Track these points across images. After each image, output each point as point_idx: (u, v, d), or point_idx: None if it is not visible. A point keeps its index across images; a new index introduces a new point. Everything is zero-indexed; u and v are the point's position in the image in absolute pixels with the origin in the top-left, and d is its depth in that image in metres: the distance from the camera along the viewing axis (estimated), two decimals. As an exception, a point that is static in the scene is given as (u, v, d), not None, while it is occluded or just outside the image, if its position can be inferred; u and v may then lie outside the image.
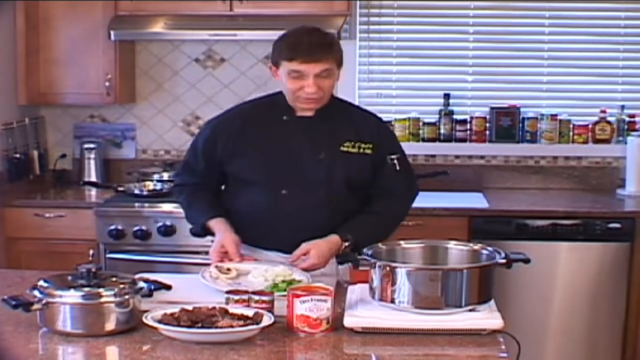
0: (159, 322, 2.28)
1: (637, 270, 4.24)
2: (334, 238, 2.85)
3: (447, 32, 4.86)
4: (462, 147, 4.81)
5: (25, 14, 4.53)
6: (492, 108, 4.81)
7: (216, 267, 2.79)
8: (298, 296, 2.36)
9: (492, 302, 2.47)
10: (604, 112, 4.76)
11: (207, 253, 4.14)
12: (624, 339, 4.28)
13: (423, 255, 2.62)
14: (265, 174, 2.90)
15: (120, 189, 4.53)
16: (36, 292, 2.35)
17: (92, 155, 4.85)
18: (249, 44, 4.86)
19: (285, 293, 2.42)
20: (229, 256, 2.84)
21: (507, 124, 4.79)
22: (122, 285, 2.37)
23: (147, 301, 2.41)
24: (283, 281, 2.66)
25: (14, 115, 4.63)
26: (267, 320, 2.31)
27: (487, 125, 4.81)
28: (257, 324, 2.29)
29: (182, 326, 2.25)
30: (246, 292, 2.46)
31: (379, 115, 3.14)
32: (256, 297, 2.41)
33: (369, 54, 4.86)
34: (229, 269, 2.77)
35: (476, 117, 4.80)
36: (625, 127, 4.76)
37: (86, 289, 2.33)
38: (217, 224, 2.93)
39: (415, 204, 3.10)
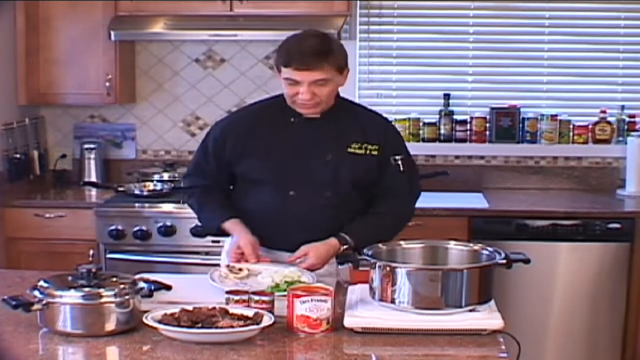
0: (159, 322, 2.28)
1: (637, 271, 4.24)
2: (333, 241, 2.86)
3: (447, 33, 4.86)
4: (462, 147, 4.81)
5: (25, 14, 4.53)
6: (492, 108, 4.81)
7: (227, 266, 2.79)
8: (298, 296, 2.36)
9: (492, 302, 2.47)
10: (604, 112, 4.76)
11: (207, 253, 4.20)
12: (624, 339, 4.28)
13: (423, 255, 2.63)
14: (273, 174, 2.91)
15: (121, 189, 4.53)
16: (36, 293, 2.35)
17: (92, 156, 4.85)
18: (249, 44, 4.86)
19: (286, 293, 2.42)
20: (245, 257, 2.85)
21: (507, 124, 4.79)
22: (122, 286, 2.37)
23: (147, 301, 2.41)
24: (285, 281, 2.66)
25: (14, 115, 4.63)
26: (267, 320, 2.31)
27: (487, 125, 4.81)
28: (257, 324, 2.29)
29: (182, 326, 2.25)
30: (246, 292, 2.46)
31: (380, 115, 3.14)
32: (256, 298, 2.42)
33: (369, 54, 4.86)
34: (240, 269, 2.77)
35: (476, 118, 4.80)
36: (625, 127, 4.76)
37: (86, 289, 2.33)
38: (233, 226, 2.94)
39: (414, 204, 3.11)
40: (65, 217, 4.36)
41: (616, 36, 4.82)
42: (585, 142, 4.79)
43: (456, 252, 2.62)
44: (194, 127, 4.93)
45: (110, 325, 2.32)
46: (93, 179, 4.83)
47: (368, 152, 2.91)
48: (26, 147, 4.72)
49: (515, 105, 4.81)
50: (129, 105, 4.93)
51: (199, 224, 3.16)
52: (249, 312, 2.34)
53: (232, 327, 2.26)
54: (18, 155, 4.61)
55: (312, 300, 2.35)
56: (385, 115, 3.12)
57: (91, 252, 4.24)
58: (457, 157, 4.84)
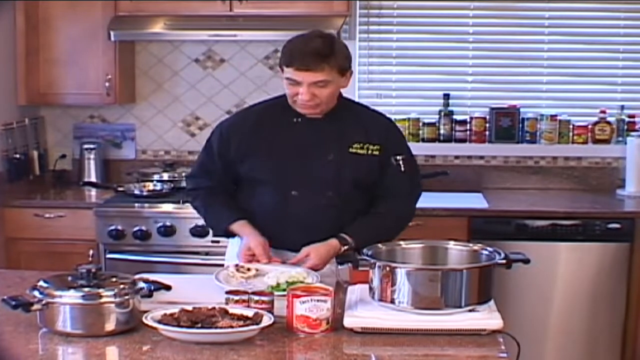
0: (159, 322, 2.28)
1: (637, 271, 4.24)
2: (333, 242, 2.87)
3: (447, 33, 4.86)
4: (462, 147, 4.81)
5: (25, 14, 4.54)
6: (491, 108, 4.81)
7: (236, 266, 2.79)
8: (298, 296, 2.36)
9: (492, 302, 2.47)
10: (603, 112, 4.76)
11: (207, 253, 4.20)
12: (623, 339, 4.28)
13: (423, 255, 2.63)
14: (276, 174, 2.92)
15: (120, 189, 4.53)
16: (36, 293, 2.35)
17: (92, 156, 4.85)
18: (248, 45, 4.86)
19: (285, 293, 2.43)
20: (256, 258, 2.85)
21: (506, 125, 4.79)
22: (122, 286, 2.37)
23: (147, 301, 2.41)
24: (286, 281, 2.66)
25: (13, 115, 4.63)
26: (266, 320, 2.31)
27: (487, 125, 4.81)
28: (257, 324, 2.29)
29: (182, 326, 2.25)
30: (246, 292, 2.46)
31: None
32: (256, 298, 2.42)
33: (369, 55, 4.86)
34: (248, 269, 2.77)
35: (476, 118, 4.81)
36: (625, 127, 4.76)
37: (86, 289, 2.33)
38: (242, 227, 2.95)
39: (414, 205, 3.11)
40: (65, 217, 4.36)
41: (616, 36, 4.82)
42: (585, 142, 4.79)
43: (456, 252, 2.62)
44: (193, 127, 4.93)
45: (110, 326, 2.32)
46: (93, 179, 4.83)
47: (370, 152, 2.92)
48: (26, 147, 4.72)
49: (515, 105, 4.81)
50: (129, 106, 4.93)
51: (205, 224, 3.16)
52: (249, 312, 2.34)
53: (231, 327, 2.26)
54: (18, 156, 4.61)
55: (311, 300, 2.35)
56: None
57: (91, 252, 4.25)
58: (456, 157, 4.84)
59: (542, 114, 4.79)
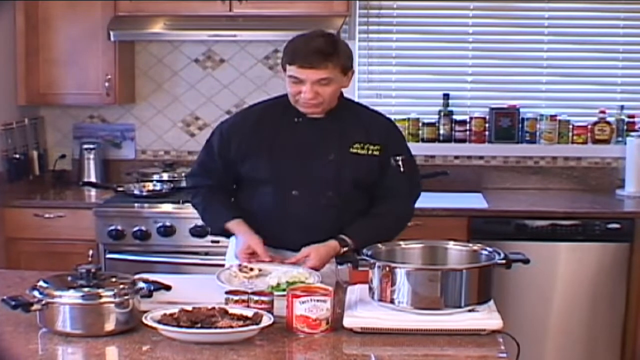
0: (159, 322, 2.28)
1: (637, 271, 4.24)
2: (333, 243, 2.87)
3: (446, 33, 4.86)
4: (462, 147, 4.81)
5: (25, 14, 4.54)
6: (491, 108, 4.81)
7: (239, 266, 2.79)
8: (297, 296, 2.36)
9: (492, 302, 2.47)
10: (603, 112, 4.76)
11: (207, 253, 4.20)
12: (623, 339, 4.28)
13: (422, 255, 2.63)
14: (276, 174, 2.93)
15: (120, 189, 4.53)
16: (36, 293, 2.35)
17: (92, 156, 4.85)
18: (248, 45, 4.86)
19: (285, 293, 2.43)
20: (256, 257, 2.86)
21: (506, 125, 4.79)
22: (121, 286, 2.37)
23: (146, 301, 2.41)
24: (286, 281, 2.66)
25: (13, 115, 4.63)
26: (266, 320, 2.31)
27: (487, 125, 4.81)
28: (257, 324, 2.29)
29: (182, 326, 2.25)
30: (245, 292, 2.46)
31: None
32: (255, 298, 2.42)
33: (369, 55, 4.86)
34: (251, 269, 2.77)
35: (475, 118, 4.81)
36: (625, 127, 4.76)
37: (86, 289, 2.33)
38: (238, 226, 2.95)
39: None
40: (64, 217, 4.36)
41: (615, 37, 4.82)
42: (585, 143, 4.79)
43: (455, 252, 2.62)
44: (193, 128, 4.93)
45: (109, 326, 2.32)
46: (92, 179, 4.83)
47: (370, 152, 2.93)
48: (26, 147, 4.72)
49: (515, 105, 4.81)
50: (129, 106, 4.93)
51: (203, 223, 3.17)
52: (249, 312, 2.34)
53: (231, 327, 2.26)
54: (17, 156, 4.61)
55: (311, 300, 2.35)
56: (384, 115, 3.13)
57: (90, 252, 4.25)
58: (456, 157, 4.84)
59: (541, 114, 4.79)
